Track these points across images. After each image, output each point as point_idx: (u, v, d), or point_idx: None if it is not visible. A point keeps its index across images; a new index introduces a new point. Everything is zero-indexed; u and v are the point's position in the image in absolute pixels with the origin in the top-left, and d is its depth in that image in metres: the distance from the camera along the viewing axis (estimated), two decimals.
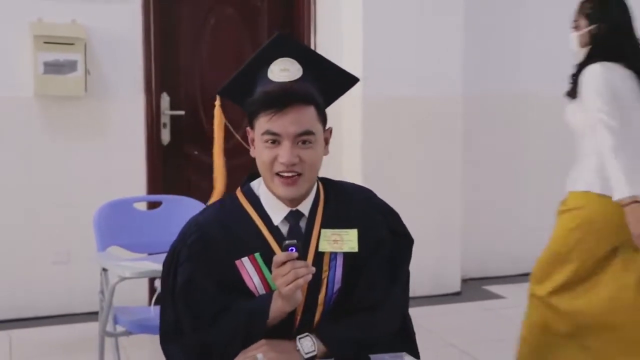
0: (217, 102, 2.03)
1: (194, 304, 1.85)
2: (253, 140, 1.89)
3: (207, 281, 1.85)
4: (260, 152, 1.84)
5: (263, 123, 1.81)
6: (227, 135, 2.06)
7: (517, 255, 5.48)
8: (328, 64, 1.91)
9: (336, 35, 4.87)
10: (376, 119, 4.70)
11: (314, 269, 1.77)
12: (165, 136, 4.77)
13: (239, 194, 1.94)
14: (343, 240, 1.86)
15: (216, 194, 2.08)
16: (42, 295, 4.47)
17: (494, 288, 5.18)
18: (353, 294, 1.89)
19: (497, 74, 5.34)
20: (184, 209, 3.45)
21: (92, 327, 3.80)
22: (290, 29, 5.00)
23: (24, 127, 4.40)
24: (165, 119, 4.76)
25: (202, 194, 4.44)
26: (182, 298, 1.87)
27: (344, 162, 4.72)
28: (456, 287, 5.00)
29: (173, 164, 4.82)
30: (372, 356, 1.85)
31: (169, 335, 1.92)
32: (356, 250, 1.85)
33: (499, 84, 5.36)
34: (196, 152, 4.90)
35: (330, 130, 1.91)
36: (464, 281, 5.18)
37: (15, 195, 4.40)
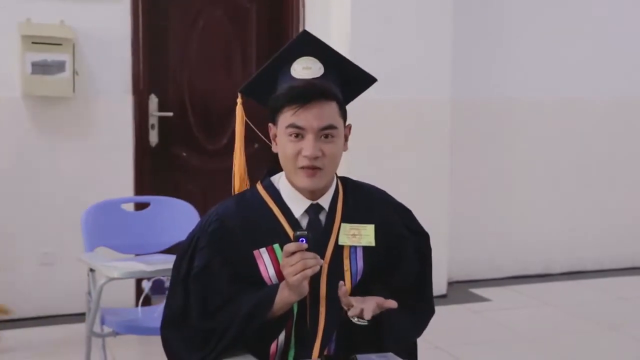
0: (239, 100, 2.06)
1: (206, 290, 1.89)
2: (275, 136, 1.94)
3: (223, 270, 1.89)
4: (283, 146, 1.89)
5: (287, 117, 1.86)
6: (247, 133, 2.09)
7: (502, 259, 5.52)
8: (348, 63, 1.97)
9: (324, 38, 4.85)
10: (363, 123, 4.70)
11: (322, 261, 1.82)
12: (154, 137, 4.77)
13: (259, 187, 1.98)
14: (361, 235, 1.93)
15: (237, 190, 2.11)
16: (29, 296, 4.46)
17: (479, 291, 5.20)
18: (392, 278, 1.98)
19: (485, 79, 5.37)
20: (171, 211, 3.46)
21: (79, 328, 3.80)
22: (279, 31, 5.01)
23: (12, 127, 4.38)
24: (153, 120, 4.75)
25: (190, 195, 4.47)
26: (196, 282, 1.90)
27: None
28: (442, 289, 5.02)
29: (161, 165, 4.81)
30: (358, 356, 1.87)
31: (172, 322, 1.94)
32: (373, 244, 1.93)
33: (487, 89, 5.39)
34: (184, 154, 4.90)
35: (349, 127, 1.98)
36: (450, 284, 5.21)
37: (1, 195, 4.38)
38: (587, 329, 4.49)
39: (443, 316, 4.63)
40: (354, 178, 2.09)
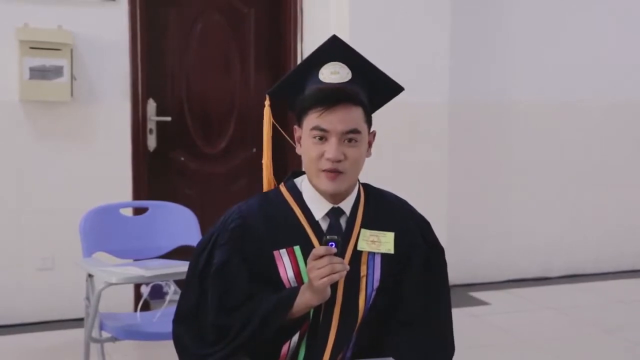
0: (267, 102, 2.07)
1: (225, 287, 1.89)
2: (300, 138, 1.95)
3: (242, 268, 1.89)
4: (307, 147, 1.90)
5: (313, 119, 1.87)
6: (274, 135, 2.10)
7: (502, 262, 5.52)
8: (376, 70, 1.99)
9: (322, 42, 4.88)
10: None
11: (348, 267, 1.82)
12: (152, 142, 4.77)
13: (282, 188, 1.99)
14: (380, 242, 1.93)
15: (266, 189, 2.11)
16: (27, 302, 4.45)
17: (479, 294, 5.20)
18: (394, 308, 1.95)
19: (483, 82, 5.37)
20: (170, 215, 3.45)
21: (78, 334, 3.80)
22: (277, 35, 5.01)
23: (9, 132, 4.38)
24: (151, 124, 4.76)
25: (189, 200, 4.47)
26: (215, 279, 1.90)
27: None
28: None
29: (159, 169, 4.81)
30: None
31: (185, 317, 1.94)
32: (392, 252, 1.92)
33: (485, 92, 5.39)
34: (182, 158, 4.90)
35: (374, 134, 1.99)
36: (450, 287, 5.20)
37: None
38: (586, 332, 4.49)
39: None
40: (362, 182, 2.09)
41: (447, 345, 2.02)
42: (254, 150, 4.76)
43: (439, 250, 2.07)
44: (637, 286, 5.54)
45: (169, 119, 4.81)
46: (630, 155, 5.83)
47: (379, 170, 4.74)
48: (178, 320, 1.95)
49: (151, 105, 4.75)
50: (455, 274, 5.31)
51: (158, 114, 4.78)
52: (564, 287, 5.45)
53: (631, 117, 5.82)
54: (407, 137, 4.89)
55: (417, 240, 2.00)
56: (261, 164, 2.09)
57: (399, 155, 4.86)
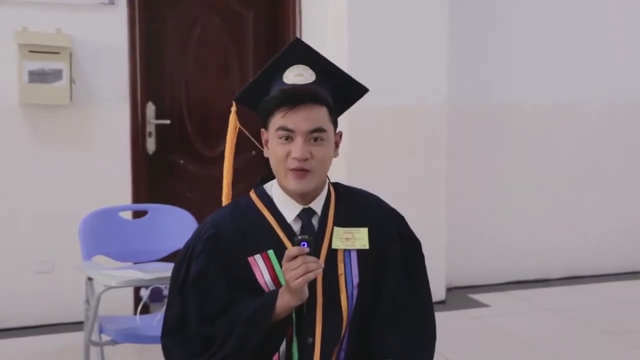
0: (233, 109, 2.08)
1: (204, 296, 1.90)
2: (267, 142, 1.96)
3: (219, 276, 1.90)
4: (273, 148, 1.91)
5: (278, 120, 1.89)
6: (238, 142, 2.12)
7: (501, 264, 5.52)
8: (340, 72, 1.99)
9: (321, 45, 4.85)
10: (360, 130, 4.71)
11: (323, 265, 1.84)
12: (151, 145, 4.77)
13: (252, 194, 2.01)
14: (355, 238, 1.94)
15: (225, 198, 2.13)
16: (27, 305, 4.45)
17: (478, 296, 5.20)
18: (376, 308, 1.96)
19: (482, 86, 5.37)
20: (169, 218, 3.46)
21: (77, 337, 3.79)
22: (276, 38, 5.02)
23: (9, 135, 4.38)
24: (150, 127, 4.76)
25: (188, 203, 4.47)
26: (193, 288, 1.91)
27: (328, 172, 4.72)
28: (441, 295, 5.02)
29: (159, 173, 4.81)
30: None
31: (171, 330, 1.96)
32: (367, 247, 1.94)
33: (484, 96, 5.39)
34: (182, 161, 4.90)
35: (340, 134, 2.00)
36: (449, 290, 5.20)
37: None
38: (585, 334, 4.49)
39: (442, 322, 4.63)
40: (352, 185, 2.10)
41: (425, 339, 2.03)
42: (253, 153, 4.76)
43: (416, 243, 2.07)
44: (637, 288, 5.54)
45: (168, 122, 4.82)
46: (629, 158, 5.83)
47: (378, 174, 4.76)
48: (165, 333, 1.97)
49: (150, 108, 4.75)
50: (455, 276, 5.32)
51: (157, 117, 4.79)
52: (563, 289, 5.45)
53: (630, 120, 5.82)
54: (406, 140, 4.88)
55: (393, 235, 2.01)
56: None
57: (398, 158, 4.86)
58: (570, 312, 4.89)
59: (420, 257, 2.07)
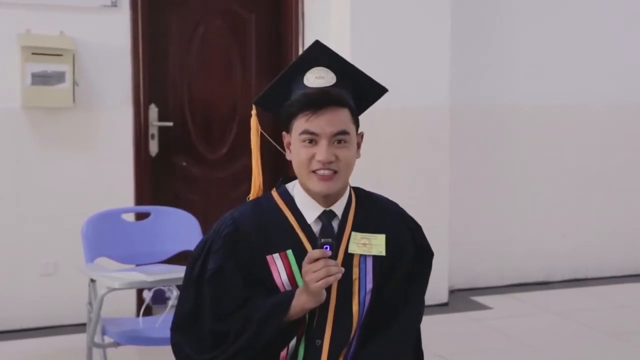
0: (254, 112, 2.08)
1: (220, 292, 1.90)
2: (289, 144, 1.97)
3: (236, 273, 1.91)
4: (297, 151, 1.92)
5: (301, 123, 1.90)
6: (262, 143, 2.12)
7: (504, 266, 5.51)
8: (360, 73, 2.01)
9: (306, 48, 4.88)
10: (361, 130, 4.70)
11: (343, 269, 1.84)
12: (154, 147, 4.77)
13: (274, 193, 2.01)
14: (372, 244, 1.95)
15: (253, 196, 2.13)
16: (29, 307, 4.45)
17: (481, 299, 5.20)
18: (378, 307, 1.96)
19: (484, 86, 5.37)
20: (172, 220, 3.46)
21: (80, 339, 3.79)
22: (278, 40, 5.02)
23: (12, 138, 4.38)
24: (153, 130, 4.76)
25: (191, 205, 4.47)
26: (209, 284, 1.91)
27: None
28: (443, 298, 5.01)
29: (161, 175, 4.81)
30: None
31: (181, 325, 1.95)
32: (384, 254, 1.95)
33: (486, 96, 5.39)
34: (184, 164, 4.90)
35: (362, 135, 2.03)
36: (451, 292, 5.20)
37: (2, 206, 4.38)
38: (588, 336, 4.49)
39: (444, 324, 4.66)
40: (353, 185, 2.10)
41: (405, 354, 2.03)
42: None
43: (428, 255, 2.08)
44: None
45: (170, 124, 4.82)
46: (633, 158, 5.83)
47: (380, 175, 4.76)
48: (176, 328, 1.96)
49: (153, 110, 4.76)
50: (457, 278, 5.32)
51: (160, 119, 4.79)
52: (566, 292, 5.44)
53: (634, 120, 5.81)
54: (408, 141, 4.89)
55: (408, 243, 2.02)
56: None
57: (400, 159, 4.86)
58: (573, 314, 4.88)
59: (427, 268, 2.08)
